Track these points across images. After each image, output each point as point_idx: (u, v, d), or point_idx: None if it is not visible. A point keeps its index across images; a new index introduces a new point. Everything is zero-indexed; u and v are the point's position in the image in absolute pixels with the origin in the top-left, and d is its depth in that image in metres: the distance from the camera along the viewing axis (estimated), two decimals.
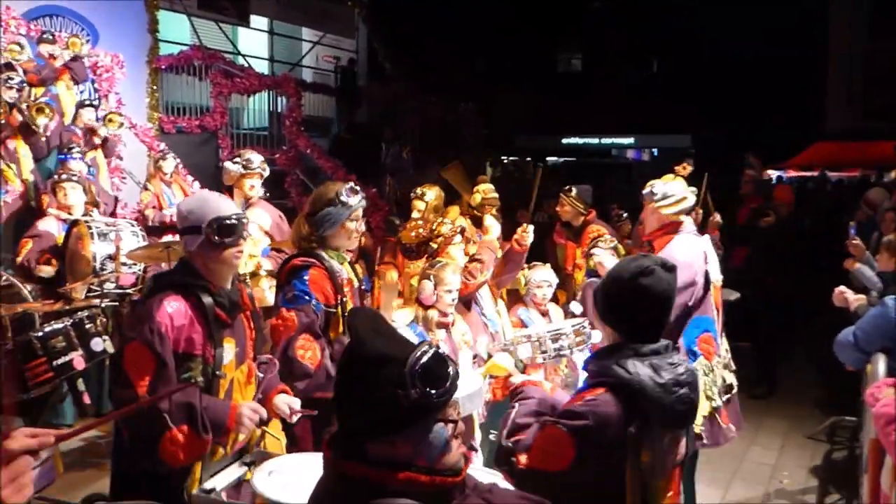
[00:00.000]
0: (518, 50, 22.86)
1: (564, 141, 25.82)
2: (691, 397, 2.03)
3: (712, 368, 3.33)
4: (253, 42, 13.56)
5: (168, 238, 5.34)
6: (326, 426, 2.81)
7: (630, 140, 26.24)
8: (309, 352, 2.86)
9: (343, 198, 3.03)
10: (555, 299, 4.61)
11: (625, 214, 6.84)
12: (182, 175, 7.49)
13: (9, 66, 6.67)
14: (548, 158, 23.38)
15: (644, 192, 3.62)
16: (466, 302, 3.91)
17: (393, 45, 14.52)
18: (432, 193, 5.70)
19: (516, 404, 2.29)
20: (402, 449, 1.43)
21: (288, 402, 2.65)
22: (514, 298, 4.46)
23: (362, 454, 1.45)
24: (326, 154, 10.62)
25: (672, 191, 3.55)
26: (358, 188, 3.17)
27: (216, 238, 2.43)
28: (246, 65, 11.77)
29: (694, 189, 3.69)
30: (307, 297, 2.90)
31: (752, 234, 6.88)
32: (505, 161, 17.14)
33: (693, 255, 3.42)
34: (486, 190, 5.88)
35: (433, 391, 1.42)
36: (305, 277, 2.94)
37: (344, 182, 3.29)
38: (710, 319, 3.45)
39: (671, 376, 1.99)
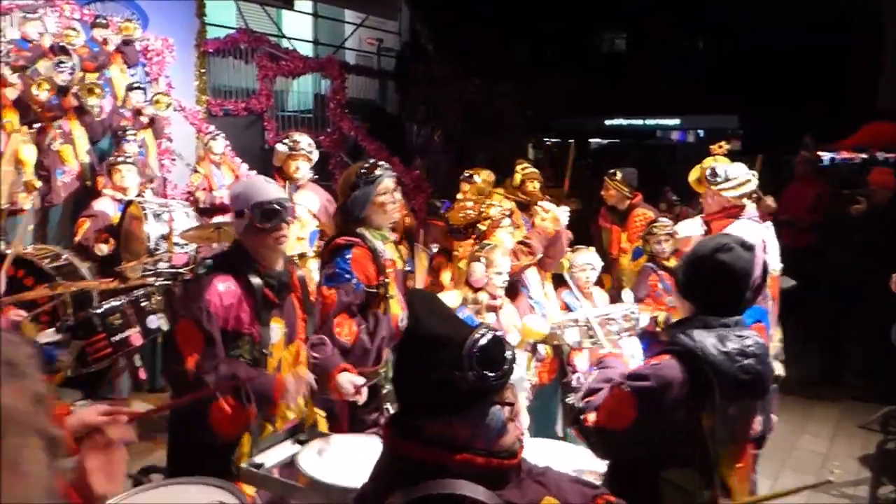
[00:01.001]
0: (560, 30, 22.53)
1: (607, 122, 25.44)
2: (757, 368, 2.04)
3: None
4: (297, 25, 13.62)
5: (218, 219, 5.44)
6: (364, 406, 2.87)
7: (675, 121, 25.73)
8: (345, 328, 2.90)
9: (363, 175, 3.03)
10: (599, 283, 4.58)
11: (675, 198, 6.73)
12: (230, 157, 7.61)
13: (63, 51, 6.84)
14: (590, 140, 23.08)
15: (707, 174, 3.56)
16: (514, 285, 3.90)
17: (435, 26, 14.46)
18: (480, 176, 5.67)
19: (596, 371, 2.36)
20: (459, 430, 1.44)
21: (352, 380, 2.69)
22: (559, 282, 4.45)
23: (420, 434, 1.46)
24: (370, 136, 10.67)
25: (734, 173, 3.49)
26: (380, 162, 3.17)
27: (258, 222, 2.50)
28: (291, 48, 11.86)
29: (755, 172, 3.62)
30: (348, 276, 2.93)
31: (834, 223, 6.46)
32: (547, 143, 16.98)
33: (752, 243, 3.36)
34: (524, 167, 5.85)
35: (490, 374, 1.42)
36: (348, 256, 2.96)
37: (365, 162, 3.29)
38: (764, 310, 3.39)
39: (737, 346, 2.03)
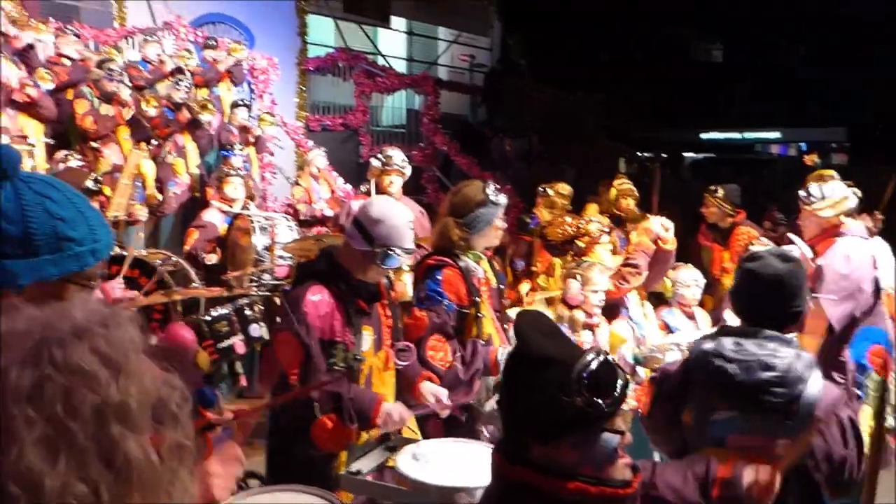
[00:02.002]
0: (654, 41, 22.06)
1: (703, 135, 24.66)
2: (732, 375, 1.99)
3: (886, 386, 3.07)
4: (392, 42, 13.95)
5: (317, 231, 5.62)
6: (458, 427, 2.88)
7: (775, 134, 24.65)
8: (440, 353, 2.89)
9: (493, 198, 3.05)
10: (700, 304, 4.43)
11: (781, 216, 6.44)
12: (328, 171, 7.85)
13: (179, 70, 7.26)
14: (684, 154, 22.42)
15: (801, 195, 3.41)
16: (612, 304, 3.84)
17: (527, 40, 14.48)
18: (554, 189, 5.58)
19: None
20: (566, 456, 1.40)
21: (434, 392, 2.72)
22: (658, 300, 4.34)
23: (526, 458, 1.43)
24: (462, 151, 10.77)
25: (829, 191, 3.32)
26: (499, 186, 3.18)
27: (379, 261, 2.54)
28: (386, 65, 12.14)
29: (855, 189, 3.43)
30: (439, 297, 2.93)
31: None
32: (641, 157, 16.64)
33: (857, 262, 3.18)
34: (620, 182, 5.73)
35: (600, 400, 1.38)
36: (438, 277, 2.97)
37: (483, 181, 3.29)
38: (882, 331, 3.19)
39: (722, 348, 2.04)
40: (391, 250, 2.51)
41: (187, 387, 0.82)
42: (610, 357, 1.44)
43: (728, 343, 2.04)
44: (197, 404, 1.18)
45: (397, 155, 5.03)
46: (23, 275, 1.33)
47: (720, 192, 5.51)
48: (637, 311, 3.94)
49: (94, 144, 6.28)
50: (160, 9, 8.70)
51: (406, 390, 2.69)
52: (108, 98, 6.37)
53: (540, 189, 5.64)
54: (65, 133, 6.31)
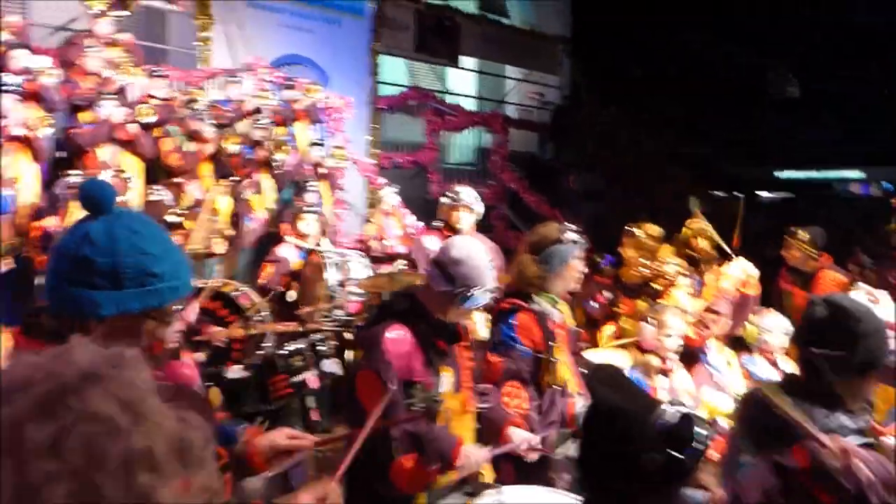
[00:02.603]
0: (727, 75, 21.62)
1: (778, 174, 23.93)
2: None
3: None
4: (461, 80, 14.16)
5: (389, 268, 5.67)
6: (530, 473, 2.81)
7: (857, 173, 23.71)
8: (515, 399, 2.85)
9: (569, 236, 3.03)
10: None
11: (869, 259, 6.15)
12: (399, 207, 7.96)
13: (258, 110, 7.54)
14: (757, 192, 21.77)
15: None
16: (691, 349, 3.72)
17: (596, 79, 14.45)
18: (643, 230, 5.46)
19: None
20: None
21: (525, 437, 2.67)
22: (738, 345, 4.17)
23: None
24: (530, 189, 10.76)
25: None
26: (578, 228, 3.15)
27: (461, 303, 2.51)
28: (455, 103, 12.32)
29: None
30: (513, 343, 2.90)
31: None
32: (713, 195, 16.24)
33: None
34: (693, 221, 5.58)
35: (681, 455, 1.34)
36: (513, 322, 2.94)
37: (559, 222, 3.27)
38: None
39: None
40: (472, 291, 2.48)
41: (207, 426, 0.78)
42: (688, 408, 1.40)
43: None
44: (221, 443, 1.18)
45: (466, 192, 5.07)
46: (106, 306, 1.37)
47: (803, 234, 5.31)
48: (718, 358, 3.81)
49: (177, 180, 6.56)
50: (242, 51, 9.09)
51: (491, 435, 2.64)
52: (193, 135, 6.67)
53: (627, 228, 5.49)
54: (150, 169, 6.62)
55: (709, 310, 3.67)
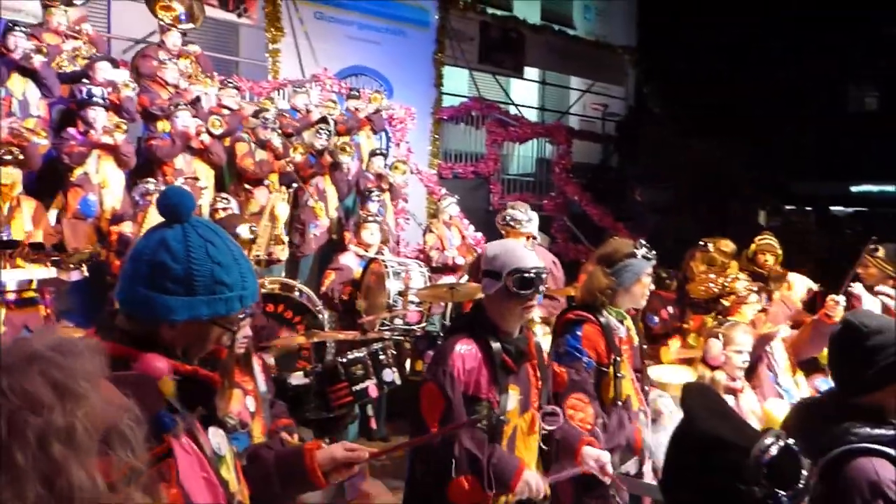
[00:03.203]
0: (801, 87, 20.92)
1: (854, 189, 22.98)
2: None
3: None
4: (525, 91, 14.11)
5: (449, 279, 5.67)
6: (589, 490, 2.75)
7: None
8: (581, 413, 2.79)
9: (642, 251, 2.98)
10: None
11: None
12: (459, 218, 7.96)
13: (323, 119, 7.68)
14: (831, 208, 20.94)
15: None
16: (757, 368, 3.59)
17: (663, 89, 14.19)
18: (714, 245, 5.31)
19: None
20: None
21: (597, 457, 2.60)
22: (813, 367, 4.00)
23: None
24: (593, 201, 10.62)
25: None
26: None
27: (514, 288, 2.46)
28: (518, 114, 12.28)
29: None
30: (578, 354, 2.86)
31: None
32: (784, 210, 15.70)
33: None
34: (761, 237, 5.40)
35: (783, 492, 1.24)
36: (578, 333, 2.90)
37: (622, 235, 3.23)
38: None
39: None
40: (520, 273, 2.44)
41: (148, 412, 0.85)
42: (791, 442, 1.30)
43: None
44: (158, 430, 1.22)
45: (519, 213, 4.95)
46: (178, 311, 1.42)
47: (881, 252, 5.07)
48: (787, 377, 3.66)
49: (247, 186, 6.74)
50: (309, 62, 9.30)
51: (564, 454, 2.59)
52: (262, 144, 6.84)
53: (700, 244, 5.37)
54: (220, 177, 6.81)
55: (762, 310, 3.54)
